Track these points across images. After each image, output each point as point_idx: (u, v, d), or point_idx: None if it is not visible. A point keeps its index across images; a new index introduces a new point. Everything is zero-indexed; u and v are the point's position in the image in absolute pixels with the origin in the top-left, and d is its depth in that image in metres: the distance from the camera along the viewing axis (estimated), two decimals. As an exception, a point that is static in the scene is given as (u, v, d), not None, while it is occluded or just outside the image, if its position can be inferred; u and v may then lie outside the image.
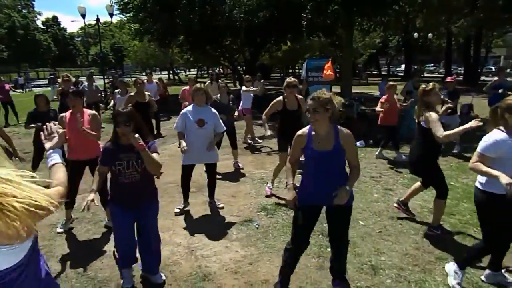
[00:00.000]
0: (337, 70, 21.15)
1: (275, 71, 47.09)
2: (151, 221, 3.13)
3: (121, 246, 3.07)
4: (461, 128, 3.34)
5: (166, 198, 5.16)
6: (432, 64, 49.36)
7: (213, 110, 4.55)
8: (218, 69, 37.68)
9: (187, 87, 8.76)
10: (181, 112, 4.54)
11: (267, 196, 5.16)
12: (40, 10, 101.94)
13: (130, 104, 6.63)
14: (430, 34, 30.86)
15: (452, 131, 3.56)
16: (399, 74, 41.38)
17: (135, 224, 3.06)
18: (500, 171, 2.57)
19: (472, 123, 3.11)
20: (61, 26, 55.50)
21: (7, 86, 12.44)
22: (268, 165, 6.70)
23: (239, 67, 22.95)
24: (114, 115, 2.92)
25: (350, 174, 2.76)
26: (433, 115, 3.70)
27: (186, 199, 4.82)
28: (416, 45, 35.96)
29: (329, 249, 3.66)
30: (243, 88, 8.50)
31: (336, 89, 12.83)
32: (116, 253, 3.22)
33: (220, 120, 4.57)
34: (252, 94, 8.43)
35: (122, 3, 16.98)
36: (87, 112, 4.15)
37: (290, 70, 44.92)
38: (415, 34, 30.54)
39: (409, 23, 28.10)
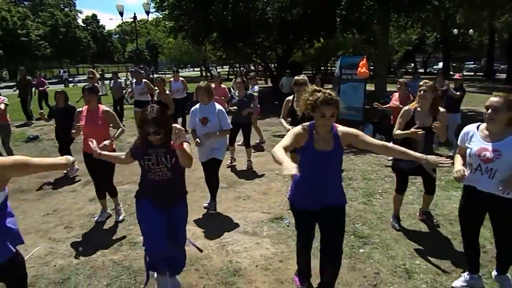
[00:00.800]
0: (371, 67, 20.67)
1: (307, 69, 46.64)
2: (180, 221, 2.94)
3: (151, 245, 2.80)
4: (405, 131, 3.65)
5: (199, 192, 5.25)
6: (472, 62, 47.12)
7: (218, 107, 4.49)
8: (249, 66, 37.77)
9: (212, 85, 8.79)
10: (191, 110, 4.60)
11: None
12: (81, 8, 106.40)
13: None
14: (471, 31, 29.44)
15: (399, 132, 3.76)
16: (436, 72, 39.83)
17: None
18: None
19: (413, 130, 3.50)
20: (100, 24, 57.41)
21: (41, 80, 13.20)
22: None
23: (271, 64, 22.90)
24: (141, 121, 2.64)
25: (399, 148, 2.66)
26: (402, 109, 3.93)
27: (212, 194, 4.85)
28: (456, 41, 34.41)
29: (361, 250, 3.62)
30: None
31: (370, 87, 12.56)
32: (146, 258, 2.89)
33: (226, 117, 4.51)
34: (257, 93, 7.89)
35: (158, 1, 17.37)
36: (101, 108, 4.32)
37: (322, 68, 44.34)
38: (455, 31, 29.21)
39: (448, 19, 26.92)
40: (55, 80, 33.58)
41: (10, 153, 6.48)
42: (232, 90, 8.76)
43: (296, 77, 4.75)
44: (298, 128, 2.58)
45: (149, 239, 2.81)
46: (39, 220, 4.60)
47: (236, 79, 6.71)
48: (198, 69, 48.52)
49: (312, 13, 14.74)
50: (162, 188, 2.78)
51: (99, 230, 4.26)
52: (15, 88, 12.64)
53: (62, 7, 55.68)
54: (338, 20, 16.02)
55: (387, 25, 13.65)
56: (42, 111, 5.61)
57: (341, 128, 2.57)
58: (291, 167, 2.00)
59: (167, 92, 7.18)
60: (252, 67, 39.46)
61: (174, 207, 2.87)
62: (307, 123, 2.60)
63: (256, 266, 3.41)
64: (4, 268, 2.04)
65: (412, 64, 45.86)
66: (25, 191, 5.60)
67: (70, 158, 2.43)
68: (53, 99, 6.42)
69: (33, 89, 12.64)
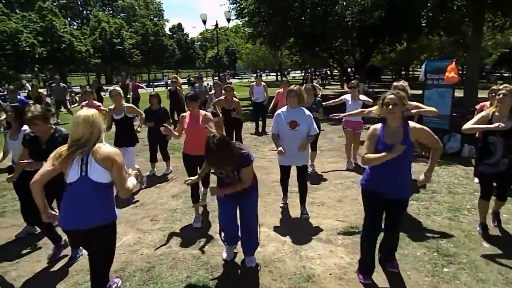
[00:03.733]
0: (460, 72, 19.03)
1: (386, 73, 44.58)
2: (250, 209, 3.49)
3: (224, 228, 3.59)
4: (477, 126, 3.69)
5: (273, 196, 5.32)
6: None
7: (307, 111, 4.42)
8: (325, 70, 37.32)
9: (281, 90, 8.70)
10: (275, 114, 4.52)
11: None
12: (168, 17, 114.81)
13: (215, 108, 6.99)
14: None
15: (470, 126, 3.72)
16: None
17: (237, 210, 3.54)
18: None
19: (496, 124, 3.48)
20: (184, 32, 61.23)
21: (135, 84, 14.43)
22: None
23: (348, 69, 22.37)
24: (206, 154, 3.05)
25: (431, 156, 3.05)
26: (479, 115, 3.84)
27: (285, 194, 5.02)
28: None
29: (445, 269, 3.37)
30: (346, 96, 6.79)
31: (459, 93, 11.57)
32: (221, 233, 3.68)
33: (314, 122, 4.43)
34: (360, 101, 6.67)
35: (238, 8, 18.06)
36: (202, 113, 4.59)
37: (403, 72, 42.07)
38: None
39: (557, 17, 23.67)
40: (145, 84, 36.78)
41: None
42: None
43: (395, 83, 4.49)
44: (372, 128, 3.03)
45: (222, 220, 3.58)
46: (129, 211, 5.06)
47: (306, 85, 6.30)
48: (274, 73, 49.22)
49: (394, 15, 14.07)
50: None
51: (181, 225, 4.53)
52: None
53: (152, 17, 60.64)
54: (423, 21, 15.10)
55: (481, 25, 12.47)
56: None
57: (412, 124, 2.91)
58: (399, 147, 2.75)
59: (235, 99, 7.17)
60: (328, 72, 38.88)
61: (245, 198, 3.39)
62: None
63: (330, 274, 3.36)
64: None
65: (509, 69, 41.09)
66: (118, 185, 6.19)
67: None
68: (144, 103, 7.00)
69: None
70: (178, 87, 10.82)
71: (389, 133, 2.91)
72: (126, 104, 5.72)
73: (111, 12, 59.13)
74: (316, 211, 4.82)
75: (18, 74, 32.25)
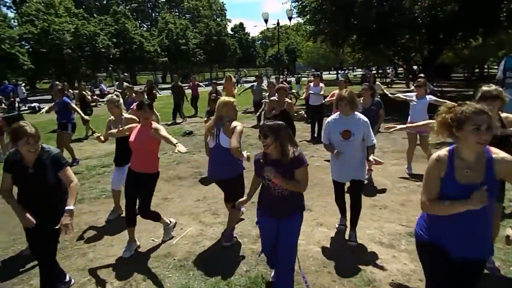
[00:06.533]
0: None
1: (457, 71, 41.52)
2: (290, 236, 2.87)
3: (265, 251, 3.14)
4: None
5: (333, 195, 5.18)
6: None
7: (362, 117, 3.79)
8: (390, 68, 35.79)
9: (337, 90, 8.26)
10: (326, 122, 3.98)
11: None
12: (230, 17, 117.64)
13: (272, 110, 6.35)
14: None
15: None
16: None
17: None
18: None
19: None
20: (246, 31, 62.34)
21: (195, 83, 14.97)
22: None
23: (414, 67, 21.22)
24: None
25: None
26: None
27: (343, 213, 4.31)
28: None
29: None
30: (411, 94, 6.44)
31: (544, 93, 10.47)
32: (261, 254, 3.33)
33: (371, 131, 3.81)
34: (426, 101, 6.20)
35: (300, 6, 17.98)
36: (153, 125, 3.91)
37: (477, 70, 38.86)
38: None
39: None
40: (206, 83, 38.12)
41: None
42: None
43: (485, 88, 3.26)
44: (433, 159, 2.10)
45: (263, 249, 3.16)
46: (192, 204, 5.30)
47: (363, 85, 5.94)
48: (334, 72, 48.27)
49: (469, 7, 13.03)
50: (277, 203, 2.83)
51: (240, 221, 4.64)
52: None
53: (215, 18, 62.57)
54: (502, 14, 13.80)
55: None
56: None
57: (497, 153, 1.98)
58: (477, 200, 1.84)
59: (289, 100, 6.51)
60: (393, 70, 37.20)
61: (284, 219, 2.86)
62: (446, 148, 2.10)
63: (392, 280, 3.25)
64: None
65: None
66: (182, 178, 6.50)
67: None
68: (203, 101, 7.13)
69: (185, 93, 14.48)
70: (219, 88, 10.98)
71: (462, 168, 2.00)
72: (125, 116, 4.82)
73: (177, 13, 61.98)
74: (378, 214, 4.68)
75: (96, 73, 35.22)
